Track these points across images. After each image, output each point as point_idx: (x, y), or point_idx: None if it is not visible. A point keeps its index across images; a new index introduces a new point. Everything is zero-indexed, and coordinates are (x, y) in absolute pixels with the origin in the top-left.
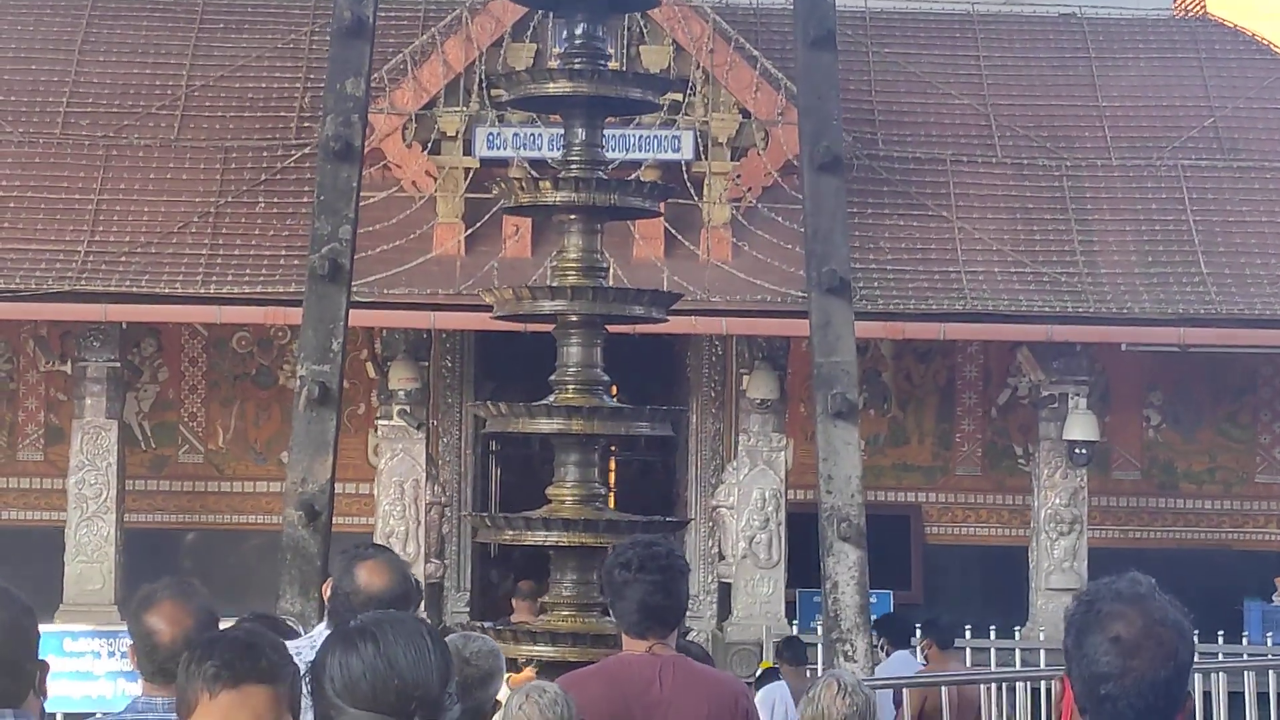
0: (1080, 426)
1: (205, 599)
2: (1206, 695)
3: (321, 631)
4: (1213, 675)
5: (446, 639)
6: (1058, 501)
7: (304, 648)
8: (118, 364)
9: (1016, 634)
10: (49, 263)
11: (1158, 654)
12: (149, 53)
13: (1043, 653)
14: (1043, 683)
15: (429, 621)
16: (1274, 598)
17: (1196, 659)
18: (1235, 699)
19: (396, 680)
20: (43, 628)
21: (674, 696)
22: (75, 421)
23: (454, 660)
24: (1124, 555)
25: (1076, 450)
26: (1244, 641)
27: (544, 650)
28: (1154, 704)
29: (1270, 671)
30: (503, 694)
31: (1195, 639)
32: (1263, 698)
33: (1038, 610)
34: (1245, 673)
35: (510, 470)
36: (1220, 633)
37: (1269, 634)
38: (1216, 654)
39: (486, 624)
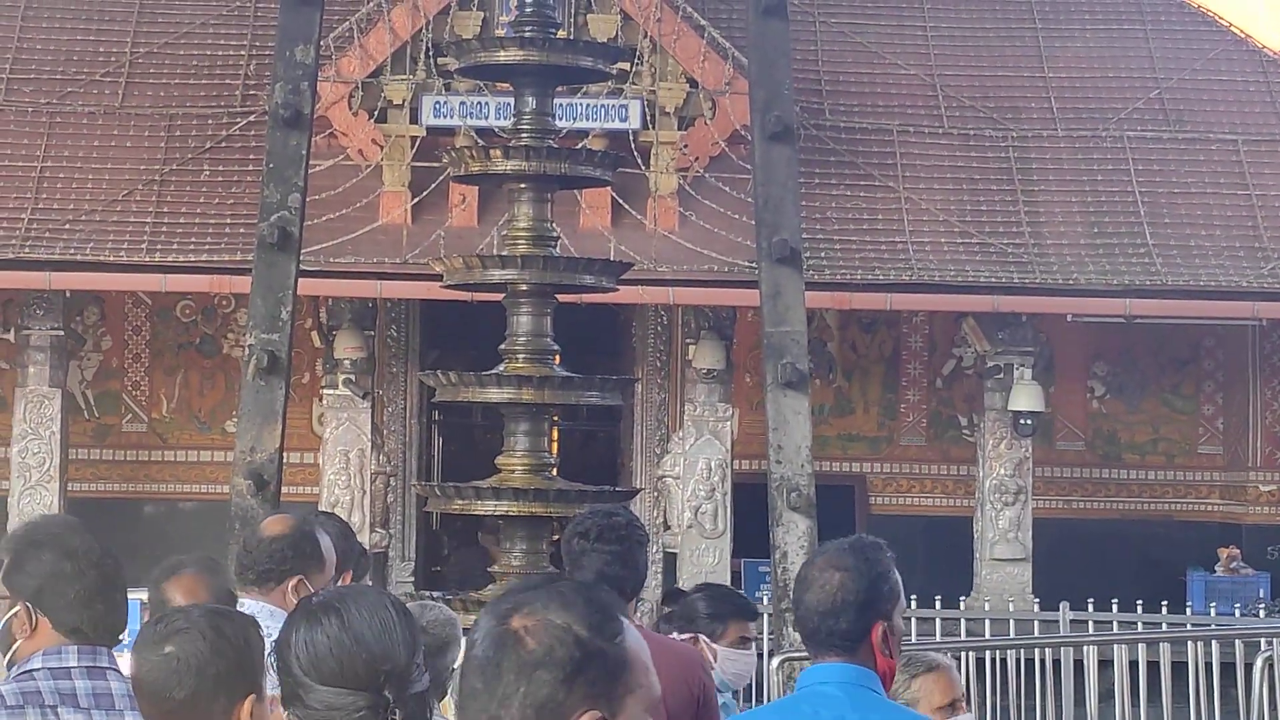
0: (1025, 397)
1: (226, 579)
2: (1152, 665)
3: (240, 602)
4: (1158, 645)
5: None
6: (1002, 472)
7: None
8: (61, 332)
9: (961, 604)
10: None
11: (823, 593)
12: (92, 18)
13: (988, 622)
14: (988, 652)
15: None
16: (1216, 568)
17: (1140, 629)
18: (1179, 668)
19: (364, 653)
20: None
21: None
22: (18, 390)
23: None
24: (1068, 525)
25: (1021, 421)
26: (1187, 611)
27: None
28: (835, 626)
29: (1213, 641)
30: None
31: (878, 582)
32: (1207, 668)
33: (983, 580)
34: (1189, 642)
35: (453, 440)
36: (1164, 603)
37: (1212, 604)
38: (1160, 624)
39: (436, 594)
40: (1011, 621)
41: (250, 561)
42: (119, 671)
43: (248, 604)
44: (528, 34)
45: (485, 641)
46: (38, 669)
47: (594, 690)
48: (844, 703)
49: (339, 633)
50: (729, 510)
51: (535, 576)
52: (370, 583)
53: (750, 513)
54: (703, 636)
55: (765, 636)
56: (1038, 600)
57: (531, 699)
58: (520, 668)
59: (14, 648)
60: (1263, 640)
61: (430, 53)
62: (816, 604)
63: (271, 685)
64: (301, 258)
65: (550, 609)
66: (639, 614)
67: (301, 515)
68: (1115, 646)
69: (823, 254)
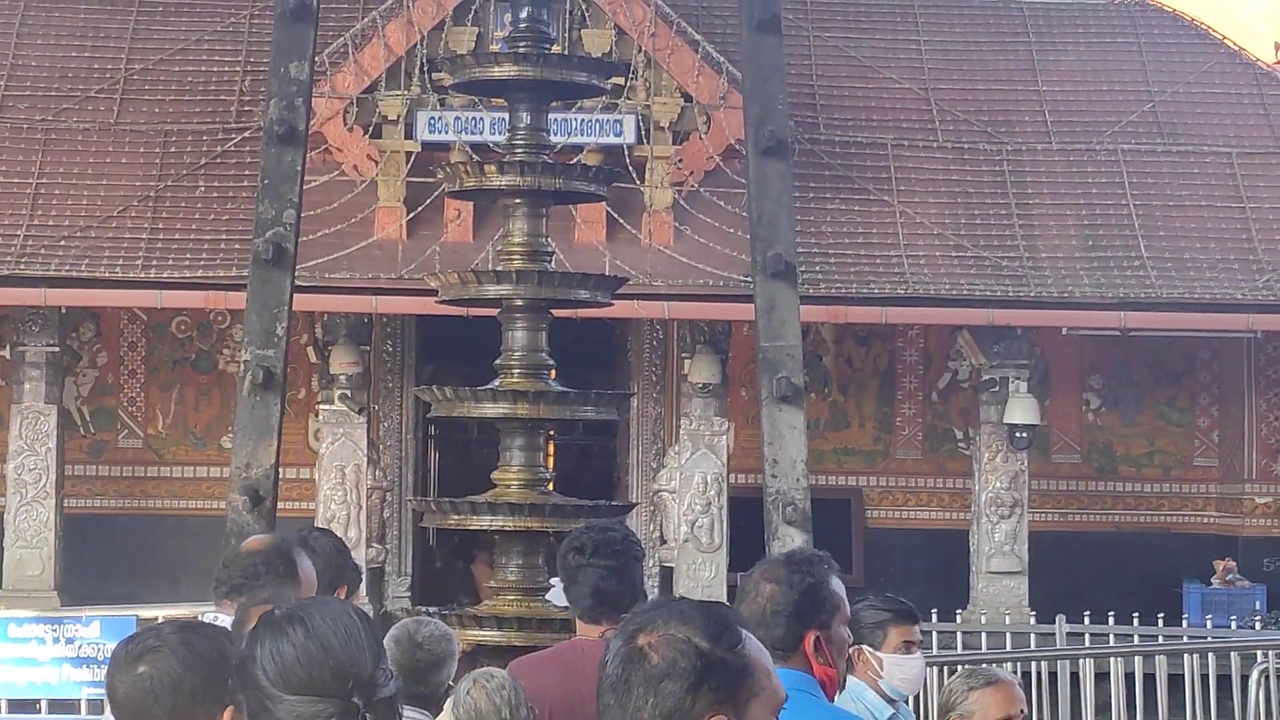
0: (1021, 410)
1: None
2: (1148, 677)
3: (214, 615)
4: (1154, 658)
5: (398, 624)
6: (998, 485)
7: None
8: (57, 348)
9: (958, 617)
10: None
11: (755, 604)
12: (88, 35)
13: (984, 635)
14: (984, 665)
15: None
16: (1212, 580)
17: (1137, 642)
18: (1176, 681)
19: (331, 661)
20: None
21: None
22: (14, 406)
23: (408, 644)
24: (1064, 538)
25: (1017, 434)
26: (1183, 623)
27: (490, 635)
28: (766, 636)
29: (1210, 654)
30: None
31: (810, 593)
32: (1203, 679)
33: (979, 593)
34: (1185, 655)
35: (449, 454)
36: (1160, 615)
37: (1208, 616)
38: (1156, 636)
39: (432, 609)
40: (1008, 634)
41: (225, 575)
42: None
43: (220, 617)
44: (522, 49)
45: (614, 661)
46: None
47: (718, 696)
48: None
49: (305, 641)
50: (725, 524)
51: (659, 597)
52: (367, 599)
53: (746, 526)
54: (866, 647)
55: None
56: (1034, 613)
57: (660, 709)
58: (647, 681)
59: None
60: (1259, 652)
61: (425, 68)
62: (749, 615)
63: None
64: (297, 273)
65: (671, 624)
66: None
67: (283, 536)
68: (1112, 659)
69: (818, 268)
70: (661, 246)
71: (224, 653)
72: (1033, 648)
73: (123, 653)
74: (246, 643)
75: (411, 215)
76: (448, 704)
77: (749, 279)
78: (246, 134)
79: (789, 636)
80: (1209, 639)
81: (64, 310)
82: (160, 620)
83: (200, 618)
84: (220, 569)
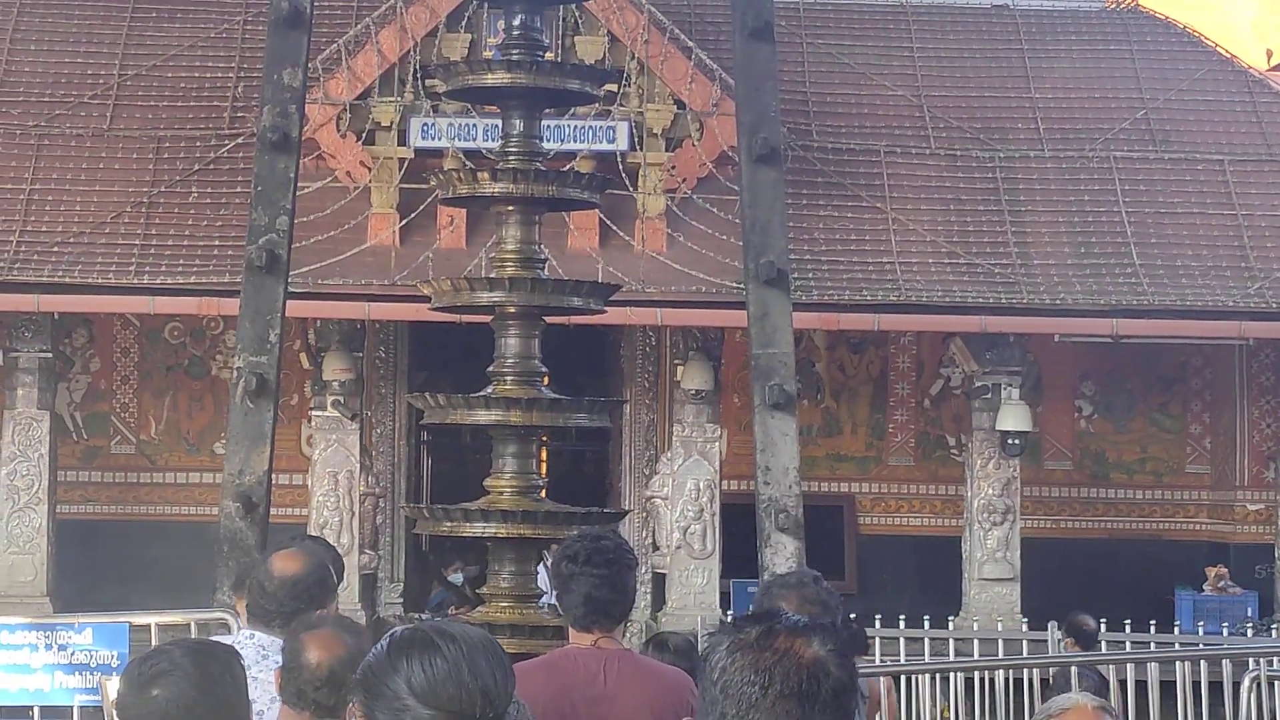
0: (1013, 417)
1: (364, 641)
2: (1140, 685)
3: (249, 634)
4: (1146, 665)
5: (392, 631)
6: (990, 491)
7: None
8: (49, 355)
9: (950, 624)
10: None
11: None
12: (80, 41)
13: (976, 642)
14: (976, 672)
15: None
16: (1204, 587)
17: (1128, 648)
18: (1168, 688)
19: (479, 683)
20: None
21: (617, 691)
22: (7, 412)
23: None
24: (1056, 545)
25: (1009, 440)
26: (1176, 631)
27: None
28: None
29: (1201, 660)
30: None
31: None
32: (1194, 687)
33: (971, 600)
34: (1177, 662)
35: (443, 461)
36: (1152, 622)
37: (1200, 623)
38: (1149, 643)
39: (423, 616)
40: (1000, 641)
41: (275, 605)
42: None
43: (259, 636)
44: (515, 56)
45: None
46: None
47: None
48: None
49: (458, 660)
50: (718, 531)
51: None
52: (359, 605)
53: (739, 533)
54: None
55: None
56: (1026, 620)
57: None
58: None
59: None
60: (1250, 659)
61: (418, 75)
62: None
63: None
64: (290, 280)
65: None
66: (627, 636)
67: (316, 555)
68: (1103, 666)
69: (810, 275)
70: (654, 253)
71: (235, 677)
72: (1025, 655)
73: (135, 675)
74: (385, 653)
75: (404, 222)
76: None
77: (741, 286)
78: (240, 140)
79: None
80: (1201, 646)
81: (57, 316)
82: (170, 641)
83: (222, 627)
84: (261, 595)
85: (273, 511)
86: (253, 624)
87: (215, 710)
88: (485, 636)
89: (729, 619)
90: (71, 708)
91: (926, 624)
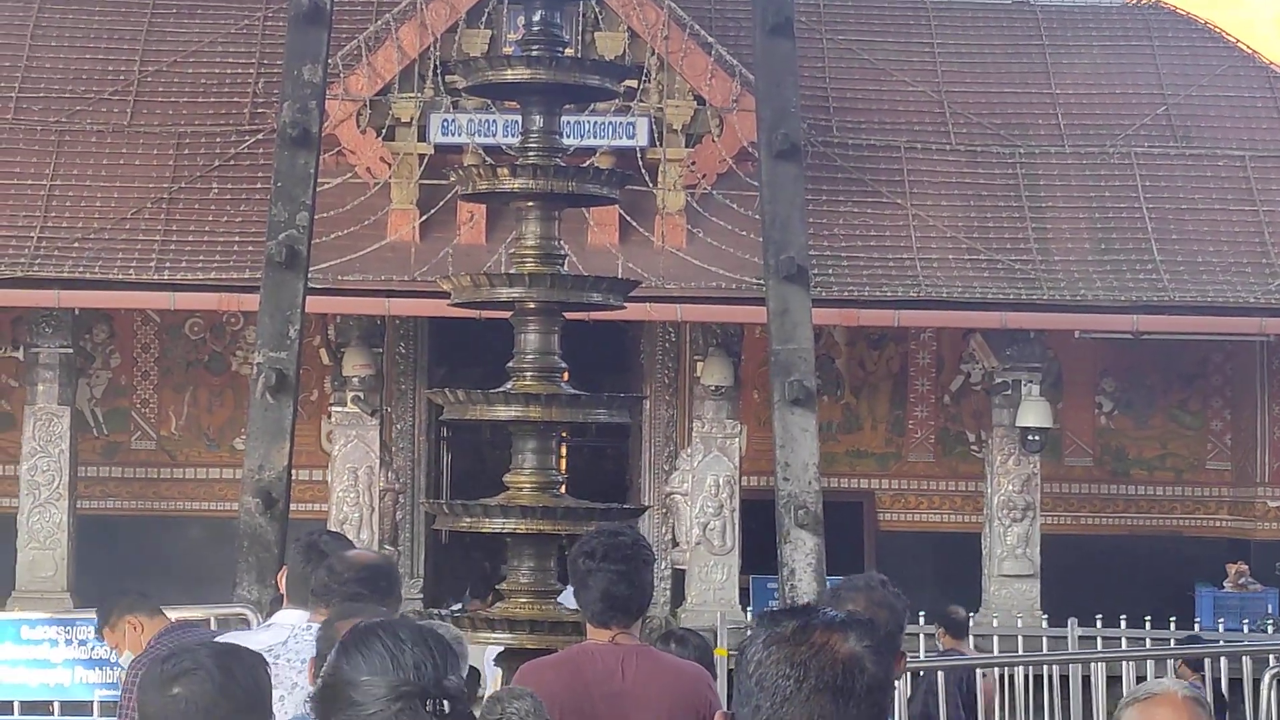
0: (1033, 413)
1: None
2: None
3: (302, 619)
4: (1166, 661)
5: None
6: (1010, 488)
7: (277, 643)
8: (70, 350)
9: (970, 620)
10: (0, 249)
11: None
12: (101, 38)
13: (996, 639)
14: (996, 669)
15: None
16: (1225, 584)
17: (1149, 645)
18: None
19: (412, 657)
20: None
21: (635, 687)
22: (27, 408)
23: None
24: (1076, 541)
25: (1029, 437)
26: (1196, 627)
27: (501, 638)
28: None
29: (1222, 657)
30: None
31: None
32: (1215, 684)
33: (991, 596)
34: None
35: (462, 456)
36: (1172, 619)
37: (1220, 620)
38: (1169, 640)
39: (443, 611)
40: (1020, 638)
41: (339, 584)
42: None
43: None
44: (535, 52)
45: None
46: None
47: None
48: None
49: (393, 642)
50: (737, 527)
51: None
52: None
53: (759, 529)
54: None
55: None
56: (1046, 616)
57: None
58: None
59: None
60: (1271, 656)
61: (438, 71)
62: None
63: None
64: (310, 276)
65: None
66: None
67: (388, 554)
68: (1123, 663)
69: (830, 271)
70: (674, 249)
71: (258, 680)
72: (1044, 651)
73: (158, 672)
74: (333, 659)
75: (424, 218)
76: None
77: (761, 282)
78: (260, 136)
79: None
80: (1221, 643)
81: (77, 312)
82: (198, 641)
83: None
84: (327, 571)
85: (292, 507)
86: (291, 605)
87: (236, 713)
88: (417, 624)
89: (767, 611)
90: (91, 702)
91: None
